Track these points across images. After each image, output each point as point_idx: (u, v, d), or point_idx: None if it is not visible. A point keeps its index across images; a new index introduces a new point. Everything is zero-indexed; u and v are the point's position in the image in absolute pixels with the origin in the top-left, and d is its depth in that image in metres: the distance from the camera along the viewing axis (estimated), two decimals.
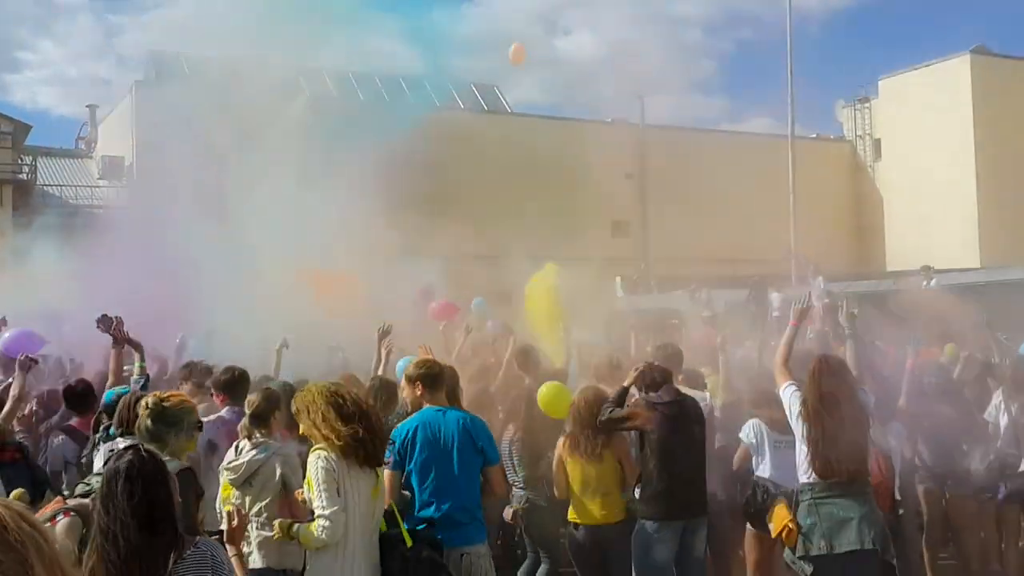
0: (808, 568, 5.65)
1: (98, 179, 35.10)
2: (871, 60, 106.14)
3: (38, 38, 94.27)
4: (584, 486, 6.60)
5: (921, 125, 39.92)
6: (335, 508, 4.77)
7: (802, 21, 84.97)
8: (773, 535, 5.97)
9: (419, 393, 5.96)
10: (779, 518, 5.84)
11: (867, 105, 45.34)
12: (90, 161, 36.88)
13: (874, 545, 5.61)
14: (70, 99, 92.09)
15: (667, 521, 6.42)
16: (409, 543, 5.05)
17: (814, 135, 48.02)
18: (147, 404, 5.11)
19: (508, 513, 7.31)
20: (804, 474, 5.82)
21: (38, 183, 33.78)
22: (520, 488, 7.32)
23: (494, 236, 18.21)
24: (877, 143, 44.78)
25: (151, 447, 4.75)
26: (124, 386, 6.94)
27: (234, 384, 6.95)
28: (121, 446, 4.54)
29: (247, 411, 5.97)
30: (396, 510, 5.22)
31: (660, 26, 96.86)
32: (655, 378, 6.70)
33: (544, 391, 7.28)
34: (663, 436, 6.43)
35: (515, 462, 7.33)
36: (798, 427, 5.88)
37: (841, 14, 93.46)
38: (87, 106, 40.49)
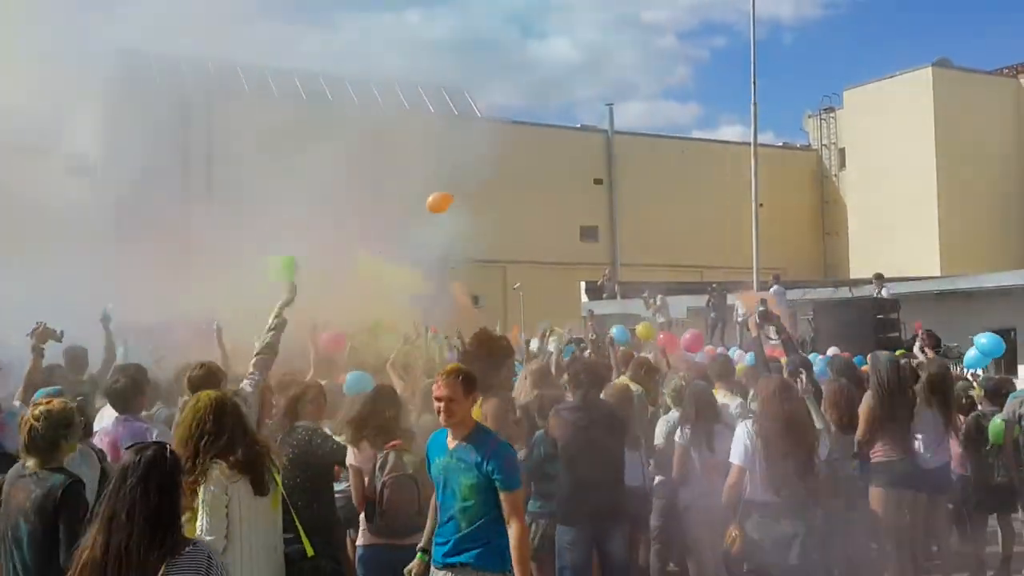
0: None
1: (64, 176, 34.81)
2: (838, 71, 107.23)
3: (3, 31, 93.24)
4: None
5: (884, 135, 40.46)
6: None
7: (774, 31, 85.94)
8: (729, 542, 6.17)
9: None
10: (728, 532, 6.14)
11: (832, 115, 45.92)
12: (57, 159, 36.58)
13: (809, 566, 5.93)
14: (37, 95, 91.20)
15: (573, 527, 6.45)
16: (310, 553, 5.11)
17: (781, 143, 48.51)
18: (36, 414, 4.92)
19: None
20: (752, 492, 6.09)
21: (1, 180, 33.49)
22: None
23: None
24: (842, 152, 45.34)
25: (38, 459, 4.79)
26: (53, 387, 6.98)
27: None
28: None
29: None
30: (296, 520, 5.18)
31: (634, 32, 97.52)
32: (579, 381, 6.82)
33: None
34: (567, 442, 6.47)
35: None
36: (749, 445, 6.10)
37: (811, 24, 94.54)
38: (55, 103, 40.18)
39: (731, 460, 6.26)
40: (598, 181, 40.84)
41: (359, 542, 6.35)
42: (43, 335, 7.35)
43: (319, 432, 6.34)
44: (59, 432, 4.86)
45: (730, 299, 23.33)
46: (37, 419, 4.84)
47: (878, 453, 7.65)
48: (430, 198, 13.66)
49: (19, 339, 7.81)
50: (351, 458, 6.44)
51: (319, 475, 6.21)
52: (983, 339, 12.08)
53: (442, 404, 5.17)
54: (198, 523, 4.51)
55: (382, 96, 37.38)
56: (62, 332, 7.50)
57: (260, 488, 4.74)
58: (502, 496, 5.08)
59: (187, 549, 3.45)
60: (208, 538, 4.41)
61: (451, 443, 5.23)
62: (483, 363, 6.78)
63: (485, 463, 5.09)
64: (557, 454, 6.55)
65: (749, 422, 6.28)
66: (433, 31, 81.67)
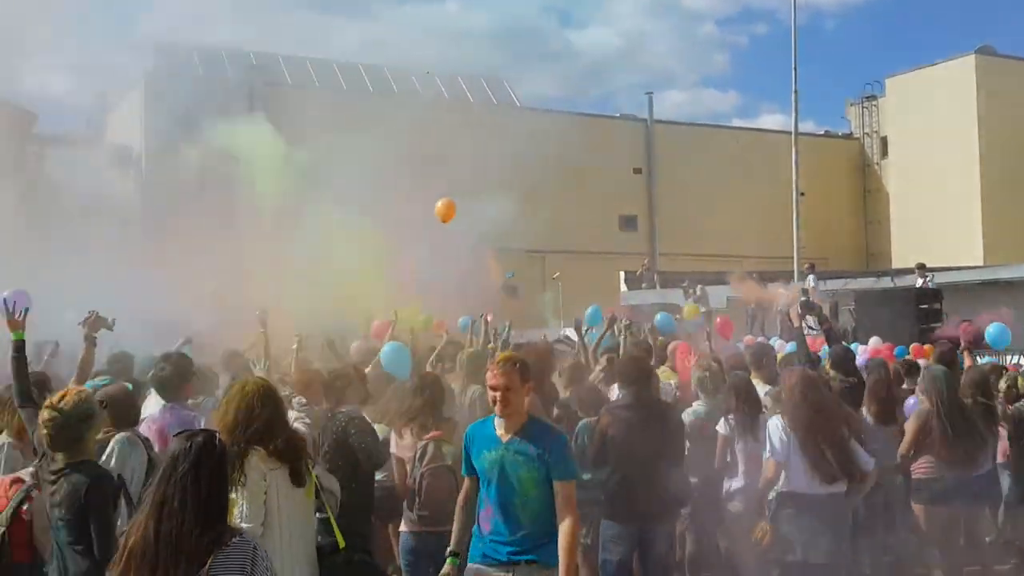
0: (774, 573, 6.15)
1: (107, 168, 35.28)
2: (880, 58, 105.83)
3: (47, 24, 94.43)
4: None
5: (927, 123, 39.95)
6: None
7: (816, 17, 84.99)
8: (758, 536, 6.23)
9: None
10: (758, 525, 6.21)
11: (874, 103, 45.41)
12: (99, 150, 37.07)
13: (841, 558, 6.07)
14: (79, 87, 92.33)
15: (620, 524, 6.39)
16: (342, 545, 5.09)
17: (822, 132, 48.06)
18: (47, 416, 4.83)
19: None
20: (784, 484, 6.15)
21: (45, 171, 33.92)
22: None
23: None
24: (884, 140, 44.83)
25: (64, 453, 4.76)
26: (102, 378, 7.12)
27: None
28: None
29: None
30: (330, 512, 5.20)
31: (674, 20, 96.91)
32: (625, 376, 6.73)
33: None
34: (618, 440, 6.36)
35: None
36: (784, 439, 6.14)
37: (852, 11, 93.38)
38: (97, 95, 40.67)
39: (765, 455, 6.28)
40: (637, 170, 40.72)
41: (402, 528, 6.43)
42: (95, 324, 7.44)
43: (356, 420, 6.31)
44: (81, 426, 4.79)
45: (770, 288, 23.19)
46: (51, 418, 4.77)
47: (921, 469, 7.56)
48: (438, 205, 13.77)
49: (71, 327, 7.93)
50: (394, 447, 6.57)
51: (354, 463, 6.22)
52: (991, 329, 12.10)
53: (498, 394, 4.96)
54: (236, 509, 4.53)
55: (421, 86, 37.51)
56: (113, 320, 7.57)
57: (298, 479, 4.80)
58: (558, 486, 4.90)
59: (234, 540, 3.44)
60: (246, 525, 4.47)
61: (504, 435, 5.01)
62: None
63: (547, 454, 4.93)
64: (601, 448, 6.51)
65: (779, 416, 6.30)
66: (472, 20, 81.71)
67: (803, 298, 8.92)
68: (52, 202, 20.92)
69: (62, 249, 16.18)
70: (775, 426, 6.25)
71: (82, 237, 17.77)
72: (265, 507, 4.63)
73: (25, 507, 4.90)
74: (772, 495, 6.24)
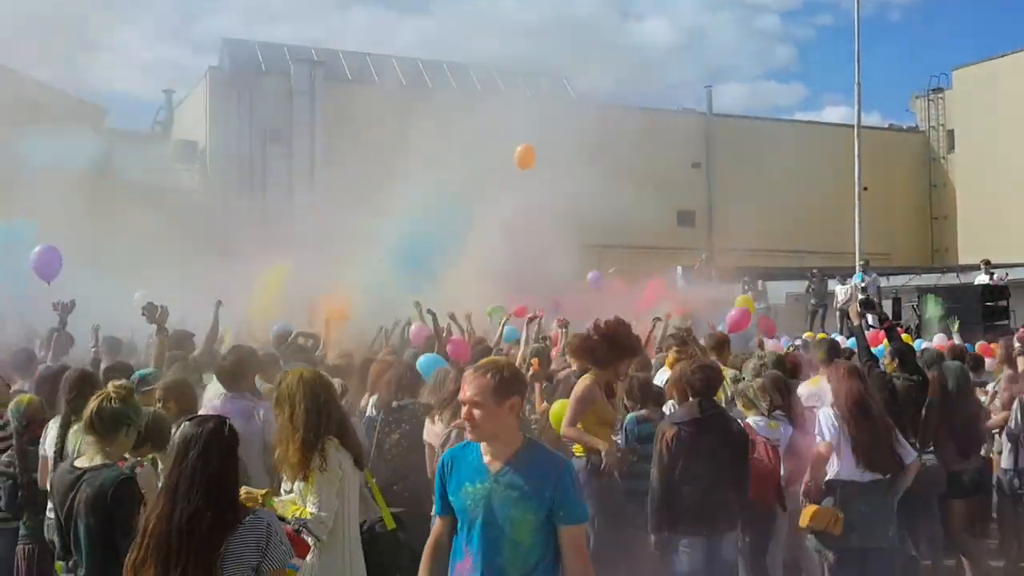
0: (832, 556, 6.32)
1: (173, 162, 35.90)
2: (947, 50, 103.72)
3: (115, 20, 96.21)
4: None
5: (995, 116, 39.08)
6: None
7: (881, 8, 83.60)
8: (803, 524, 6.36)
9: None
10: (819, 511, 6.28)
11: (941, 96, 44.54)
12: (166, 145, 37.72)
13: (895, 543, 6.37)
14: (147, 83, 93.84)
15: (688, 536, 6.31)
16: (391, 526, 5.13)
17: (887, 125, 47.26)
18: (114, 389, 4.92)
19: None
20: (836, 472, 6.37)
21: (114, 165, 34.58)
22: None
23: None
24: (950, 134, 43.97)
25: (96, 437, 4.81)
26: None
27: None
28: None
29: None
30: (378, 493, 5.24)
31: (736, 11, 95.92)
32: (694, 389, 6.64)
33: (556, 409, 7.29)
34: (681, 452, 6.30)
35: None
36: (834, 426, 6.36)
37: (919, 1, 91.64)
38: (163, 91, 41.38)
39: (818, 438, 6.46)
40: (696, 165, 40.39)
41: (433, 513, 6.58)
42: (162, 315, 7.64)
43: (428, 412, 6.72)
44: (122, 419, 4.84)
45: (831, 285, 22.97)
46: (107, 400, 4.82)
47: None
48: (517, 151, 13.80)
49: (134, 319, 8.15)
50: (426, 434, 6.73)
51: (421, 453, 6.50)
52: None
53: (465, 409, 4.05)
54: (311, 499, 4.59)
55: (480, 81, 37.60)
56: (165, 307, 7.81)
57: (360, 463, 4.91)
58: (564, 531, 3.90)
59: (247, 518, 3.52)
60: (324, 514, 4.57)
61: (492, 464, 4.01)
62: (603, 354, 6.82)
63: (549, 491, 3.90)
64: (668, 460, 6.46)
65: (829, 407, 6.54)
66: (529, 15, 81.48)
67: (862, 296, 8.86)
68: (120, 194, 21.35)
69: (128, 240, 16.54)
70: (826, 415, 6.48)
71: (148, 229, 18.14)
72: (337, 496, 4.71)
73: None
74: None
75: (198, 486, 3.41)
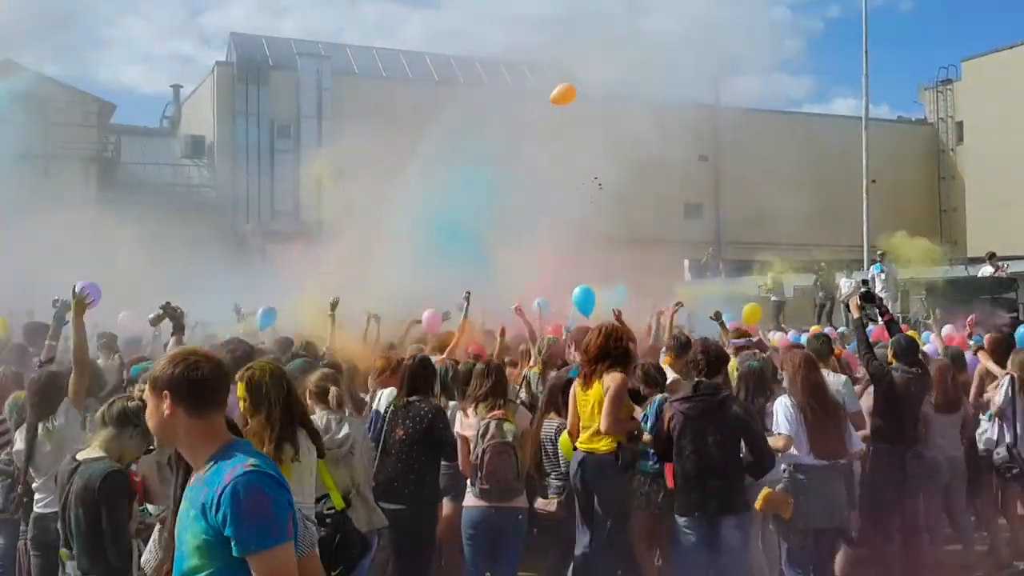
0: (788, 536, 6.72)
1: (181, 158, 35.99)
2: (956, 41, 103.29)
3: (123, 15, 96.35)
4: (584, 419, 6.86)
5: (1003, 108, 38.95)
6: None
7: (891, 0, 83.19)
8: (757, 507, 6.59)
9: None
10: (771, 494, 6.60)
11: (949, 87, 44.41)
12: (174, 140, 37.83)
13: (844, 524, 6.81)
14: (154, 78, 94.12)
15: (686, 516, 6.38)
16: (340, 506, 5.16)
17: (895, 117, 47.13)
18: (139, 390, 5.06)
19: (550, 504, 7.19)
20: (790, 457, 6.67)
21: (122, 161, 34.72)
22: (559, 479, 7.22)
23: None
24: (959, 126, 43.84)
25: (103, 431, 4.88)
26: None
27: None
28: None
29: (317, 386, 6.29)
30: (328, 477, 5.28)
31: (745, 4, 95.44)
32: (698, 368, 6.75)
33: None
34: (680, 433, 6.39)
35: (560, 453, 7.19)
36: (791, 415, 6.67)
37: None
38: (171, 85, 41.51)
39: (776, 430, 6.69)
40: (703, 157, 40.29)
41: (465, 503, 6.70)
42: (180, 315, 7.65)
43: (442, 415, 6.81)
44: (130, 418, 4.92)
45: (837, 278, 22.92)
46: (129, 399, 4.97)
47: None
48: (555, 91, 13.79)
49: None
50: (459, 427, 6.81)
51: (436, 450, 6.68)
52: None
53: None
54: (293, 487, 4.66)
55: (487, 75, 37.58)
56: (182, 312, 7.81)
57: (322, 452, 4.96)
58: (251, 562, 2.99)
59: None
60: (307, 502, 4.70)
61: (192, 476, 3.27)
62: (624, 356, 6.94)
63: (213, 509, 3.01)
64: (667, 441, 6.52)
65: (786, 396, 6.79)
66: (536, 7, 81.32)
67: (863, 289, 8.87)
68: (128, 188, 21.48)
69: (137, 234, 16.62)
70: (782, 404, 6.75)
71: (156, 222, 18.21)
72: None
73: (134, 468, 5.00)
74: (783, 468, 6.63)
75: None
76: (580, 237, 17.67)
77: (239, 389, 4.77)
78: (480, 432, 6.56)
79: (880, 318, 8.79)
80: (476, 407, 6.74)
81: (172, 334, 7.73)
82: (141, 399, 4.84)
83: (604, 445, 6.78)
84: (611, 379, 6.75)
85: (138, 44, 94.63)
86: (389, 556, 6.97)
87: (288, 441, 4.61)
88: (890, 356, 7.99)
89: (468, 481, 6.68)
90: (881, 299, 8.88)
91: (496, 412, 6.61)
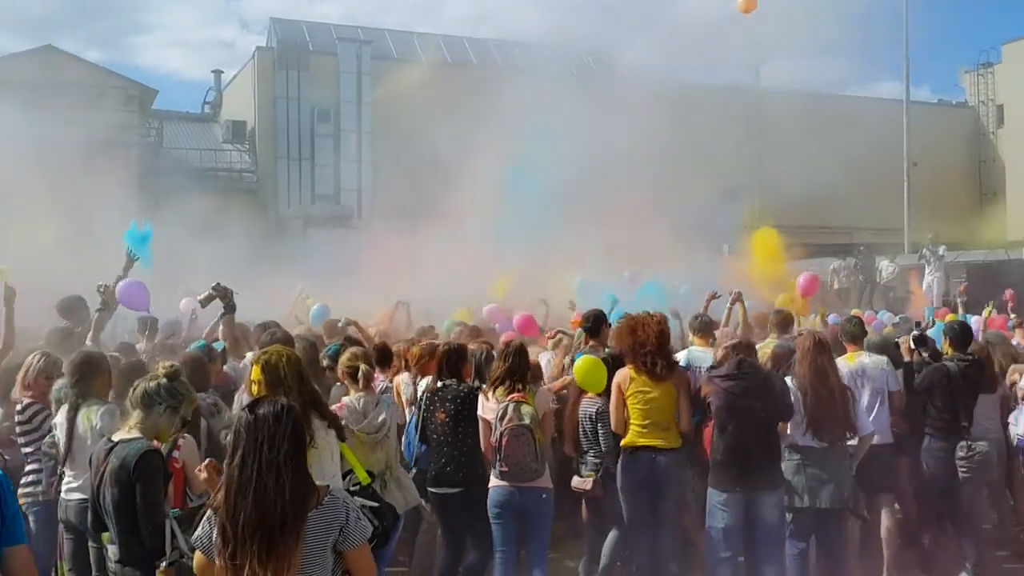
0: (788, 517, 6.74)
1: (222, 143, 36.32)
2: (997, 24, 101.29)
3: (164, 1, 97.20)
4: (645, 415, 6.92)
5: None
6: None
7: None
8: None
9: None
10: None
11: (990, 70, 43.77)
12: (215, 125, 38.16)
13: (847, 503, 6.83)
14: (196, 63, 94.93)
15: (726, 492, 6.49)
16: (365, 480, 5.20)
17: (935, 100, 46.49)
18: (165, 368, 5.12)
19: (586, 483, 7.33)
20: (794, 437, 6.78)
21: (164, 146, 35.08)
22: (596, 458, 7.34)
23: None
24: (1000, 109, 43.22)
25: (134, 412, 4.96)
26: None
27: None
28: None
29: (348, 366, 6.47)
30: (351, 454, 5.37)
31: None
32: (735, 346, 6.89)
33: (580, 365, 7.36)
34: (719, 409, 6.51)
35: (600, 433, 7.32)
36: (795, 396, 6.75)
37: None
38: (212, 71, 41.84)
39: None
40: (743, 141, 40.00)
41: (490, 484, 6.78)
42: (230, 295, 7.78)
43: (476, 395, 6.92)
44: (155, 398, 4.98)
45: (877, 262, 22.80)
46: (153, 378, 5.02)
47: None
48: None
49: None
50: (480, 409, 6.87)
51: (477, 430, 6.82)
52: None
53: None
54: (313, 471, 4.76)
55: (524, 57, 37.49)
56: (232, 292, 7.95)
57: (341, 435, 5.09)
58: None
59: (326, 499, 3.49)
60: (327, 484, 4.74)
61: None
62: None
63: None
64: None
65: (790, 378, 6.86)
66: None
67: (916, 332, 8.78)
68: (170, 173, 21.74)
69: (177, 219, 16.84)
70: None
71: (198, 208, 18.42)
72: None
73: (176, 455, 5.02)
74: (783, 448, 6.76)
75: (279, 469, 3.33)
76: (618, 222, 17.72)
77: (254, 372, 4.90)
78: (499, 415, 6.61)
79: (926, 356, 8.61)
80: (495, 390, 6.80)
81: (223, 314, 7.88)
82: (166, 376, 5.05)
83: (676, 441, 6.96)
84: (683, 377, 7.08)
85: (179, 30, 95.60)
86: (434, 536, 7.18)
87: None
88: (946, 346, 8.06)
89: (491, 462, 6.76)
90: (933, 342, 8.73)
91: (515, 395, 6.67)
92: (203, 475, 4.53)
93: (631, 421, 7.00)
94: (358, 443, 6.05)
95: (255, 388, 4.81)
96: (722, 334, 9.45)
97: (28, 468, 6.78)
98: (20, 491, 6.74)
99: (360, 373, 6.35)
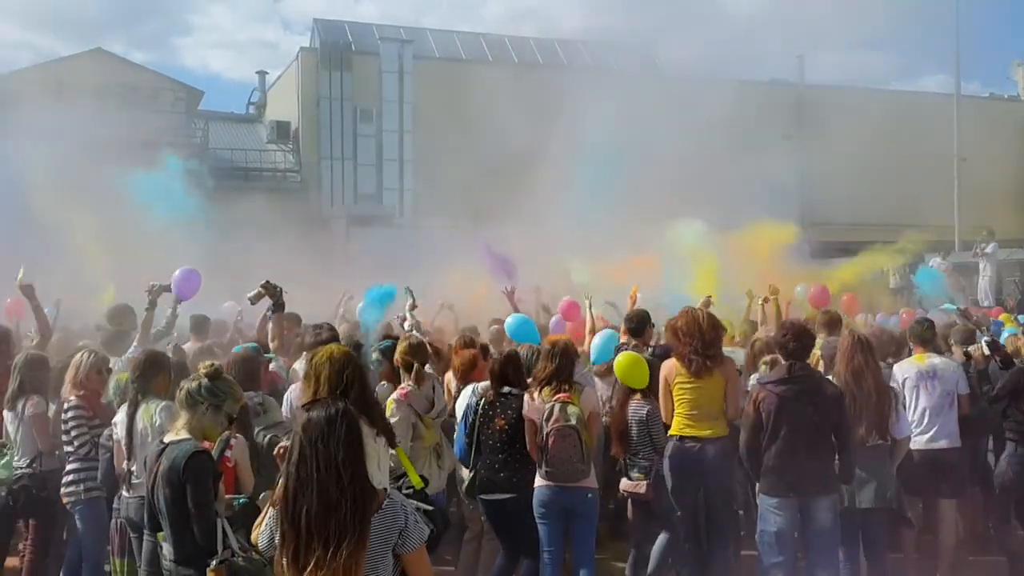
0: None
1: (267, 143, 36.58)
2: None
3: (208, 3, 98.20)
4: (692, 405, 6.96)
5: None
6: None
7: None
8: None
9: None
10: None
11: None
12: (260, 125, 38.44)
13: (891, 504, 6.73)
14: (240, 64, 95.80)
15: (778, 497, 6.41)
16: (419, 485, 5.17)
17: (987, 94, 45.74)
18: (208, 367, 5.16)
19: (640, 486, 7.30)
20: None
21: (210, 147, 35.39)
22: (646, 460, 7.31)
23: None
24: None
25: (182, 413, 5.00)
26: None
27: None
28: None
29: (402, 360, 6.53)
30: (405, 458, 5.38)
31: None
32: (787, 350, 6.73)
33: (621, 361, 7.39)
34: (770, 414, 6.42)
35: (653, 435, 7.28)
36: None
37: None
38: (257, 72, 42.15)
39: None
40: (787, 136, 39.55)
41: (536, 484, 6.78)
42: (279, 293, 7.82)
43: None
44: (196, 398, 5.04)
45: (928, 259, 22.41)
46: (195, 378, 5.08)
47: None
48: None
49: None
50: (526, 409, 6.84)
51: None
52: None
53: None
54: None
55: (566, 55, 37.40)
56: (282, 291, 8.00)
57: (392, 442, 5.07)
58: None
59: (386, 502, 3.49)
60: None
61: None
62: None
63: None
64: (757, 421, 6.53)
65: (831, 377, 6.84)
66: None
67: (987, 338, 8.60)
68: (215, 174, 21.89)
69: (224, 220, 16.96)
70: None
71: (244, 208, 18.54)
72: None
73: (228, 454, 5.13)
74: None
75: (336, 471, 3.32)
76: (658, 218, 17.61)
77: (311, 370, 4.95)
78: (544, 415, 6.61)
79: (998, 360, 8.43)
80: (541, 390, 6.78)
81: (272, 311, 7.91)
82: (207, 375, 5.08)
83: (723, 429, 7.01)
84: (731, 367, 7.14)
85: (223, 31, 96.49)
86: (479, 546, 7.18)
87: None
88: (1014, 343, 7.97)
89: (537, 463, 6.75)
90: (1003, 347, 8.55)
91: (561, 395, 6.66)
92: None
93: (677, 411, 7.05)
94: (426, 427, 6.39)
95: (311, 388, 4.82)
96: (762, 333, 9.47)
97: (69, 468, 6.87)
98: (63, 491, 6.82)
99: (414, 371, 6.45)
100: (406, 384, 6.65)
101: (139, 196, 13.61)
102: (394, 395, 6.51)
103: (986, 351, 8.34)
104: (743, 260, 14.98)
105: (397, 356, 6.72)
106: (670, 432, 7.10)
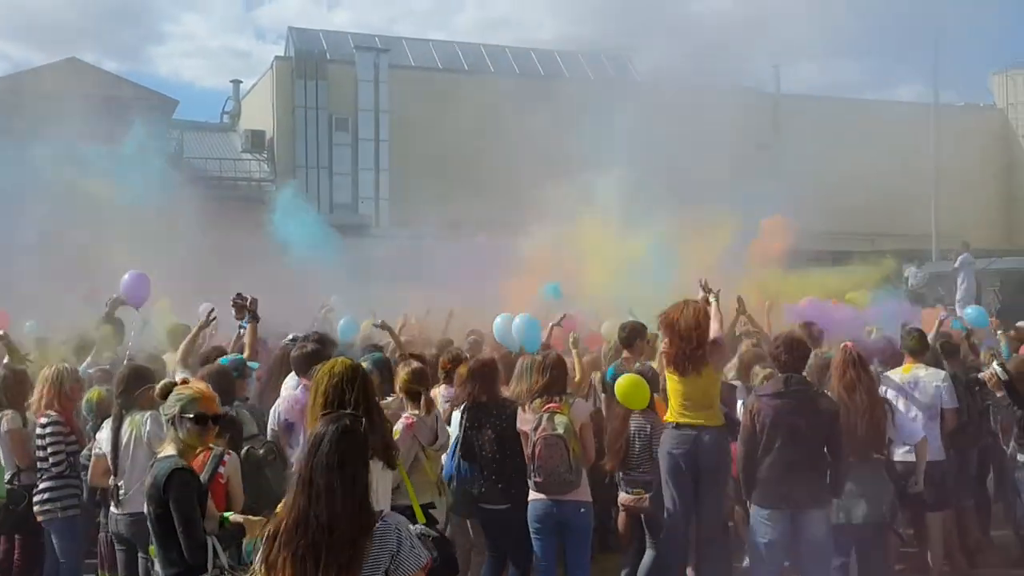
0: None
1: (241, 152, 36.34)
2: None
3: (181, 11, 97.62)
4: (684, 396, 6.97)
5: None
6: None
7: None
8: None
9: None
10: None
11: (1021, 72, 43.26)
12: (234, 134, 38.18)
13: (885, 518, 6.72)
14: (214, 73, 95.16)
15: (770, 508, 6.40)
16: (422, 521, 5.09)
17: (962, 103, 46.07)
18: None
19: (641, 501, 7.25)
20: None
21: (184, 156, 35.08)
22: (647, 474, 7.26)
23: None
24: None
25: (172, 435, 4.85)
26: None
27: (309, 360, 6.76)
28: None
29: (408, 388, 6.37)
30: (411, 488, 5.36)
31: None
32: (781, 362, 6.69)
33: (622, 383, 7.34)
34: (765, 425, 6.39)
35: (654, 448, 7.20)
36: None
37: None
38: (231, 80, 41.87)
39: None
40: (762, 146, 39.65)
41: (530, 498, 6.74)
42: (253, 305, 7.70)
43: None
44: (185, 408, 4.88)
45: (904, 269, 22.51)
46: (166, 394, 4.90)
47: None
48: None
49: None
50: (519, 422, 6.81)
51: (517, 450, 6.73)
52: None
53: None
54: None
55: (541, 63, 37.43)
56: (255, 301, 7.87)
57: (391, 462, 4.73)
58: None
59: (379, 524, 3.39)
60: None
61: None
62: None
63: None
64: (752, 433, 6.50)
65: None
66: None
67: (998, 369, 8.37)
68: (190, 183, 21.67)
69: (200, 228, 16.77)
70: None
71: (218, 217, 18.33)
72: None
73: (221, 471, 5.08)
74: None
75: (334, 486, 3.27)
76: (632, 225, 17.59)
77: (316, 385, 4.73)
78: (534, 425, 6.59)
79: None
80: (533, 402, 6.75)
81: (247, 322, 7.78)
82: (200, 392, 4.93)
83: (718, 419, 7.00)
84: (723, 354, 7.28)
85: (197, 40, 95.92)
86: (467, 557, 7.05)
87: None
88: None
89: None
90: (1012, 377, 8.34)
91: (551, 405, 6.64)
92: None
93: (671, 401, 7.07)
94: (428, 458, 6.21)
95: (312, 403, 4.64)
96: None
97: (43, 485, 6.74)
98: (36, 508, 6.65)
99: (422, 403, 6.30)
100: (411, 413, 6.37)
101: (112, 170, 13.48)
102: (399, 425, 6.16)
103: (1002, 376, 8.03)
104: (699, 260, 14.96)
105: (401, 384, 6.45)
106: (665, 418, 7.13)
